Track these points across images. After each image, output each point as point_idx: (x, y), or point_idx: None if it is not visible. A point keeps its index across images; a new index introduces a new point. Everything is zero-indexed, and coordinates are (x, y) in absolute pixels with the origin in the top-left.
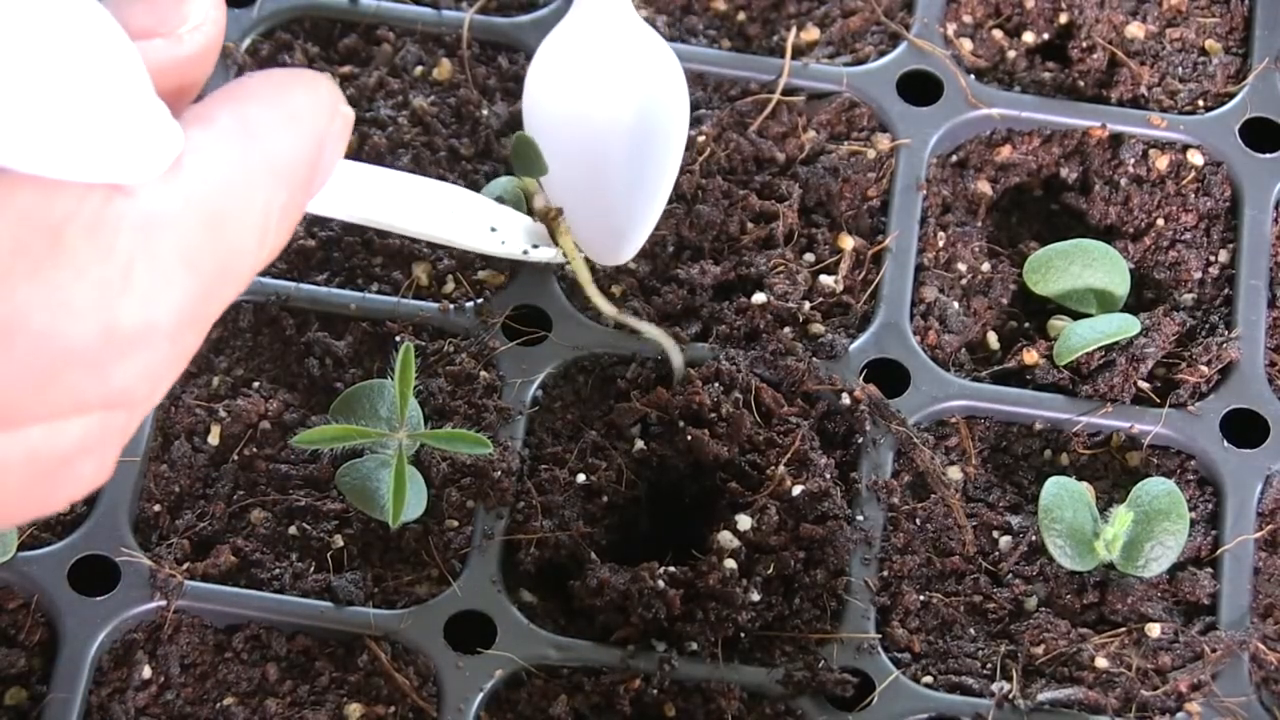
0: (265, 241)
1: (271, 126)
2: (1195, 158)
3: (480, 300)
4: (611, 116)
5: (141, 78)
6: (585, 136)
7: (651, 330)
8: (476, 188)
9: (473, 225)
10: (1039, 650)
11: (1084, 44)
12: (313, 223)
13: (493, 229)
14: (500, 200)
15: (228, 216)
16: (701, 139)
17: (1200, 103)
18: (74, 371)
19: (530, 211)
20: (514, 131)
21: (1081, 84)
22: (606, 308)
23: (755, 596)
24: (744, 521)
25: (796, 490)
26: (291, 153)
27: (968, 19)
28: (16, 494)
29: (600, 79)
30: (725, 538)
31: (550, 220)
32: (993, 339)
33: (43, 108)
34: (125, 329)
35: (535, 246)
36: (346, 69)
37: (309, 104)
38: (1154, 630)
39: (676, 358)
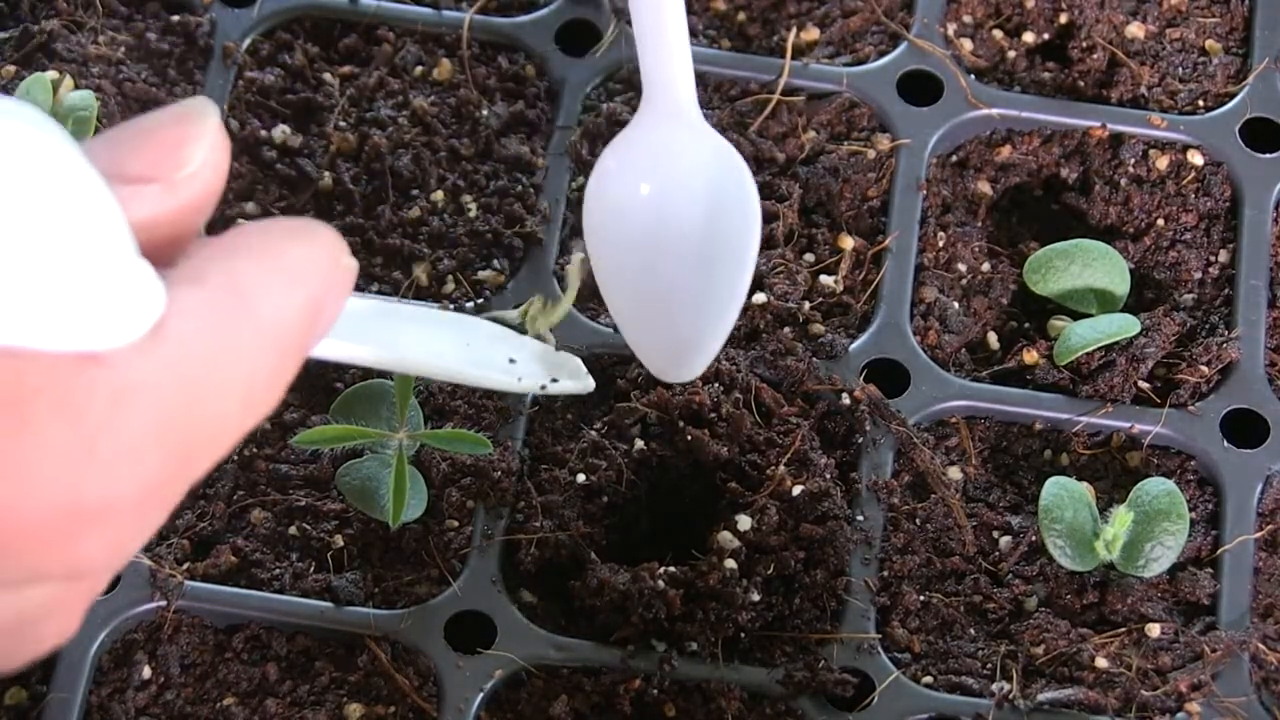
0: (251, 408)
1: (263, 287)
2: (1195, 158)
3: (480, 300)
4: (681, 225)
5: (123, 238)
6: (652, 247)
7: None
8: (477, 188)
9: (488, 359)
10: (1039, 650)
11: (1084, 44)
12: None
13: (511, 360)
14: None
15: (209, 385)
16: None
17: (1200, 103)
18: (34, 545)
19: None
20: (514, 133)
21: (1081, 84)
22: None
23: (755, 596)
24: (744, 521)
25: (796, 490)
26: (284, 315)
27: (968, 19)
28: None
29: (669, 186)
30: (725, 538)
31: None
32: (993, 339)
33: (12, 276)
34: (88, 504)
35: (554, 381)
36: (346, 69)
37: (306, 260)
38: (1154, 630)
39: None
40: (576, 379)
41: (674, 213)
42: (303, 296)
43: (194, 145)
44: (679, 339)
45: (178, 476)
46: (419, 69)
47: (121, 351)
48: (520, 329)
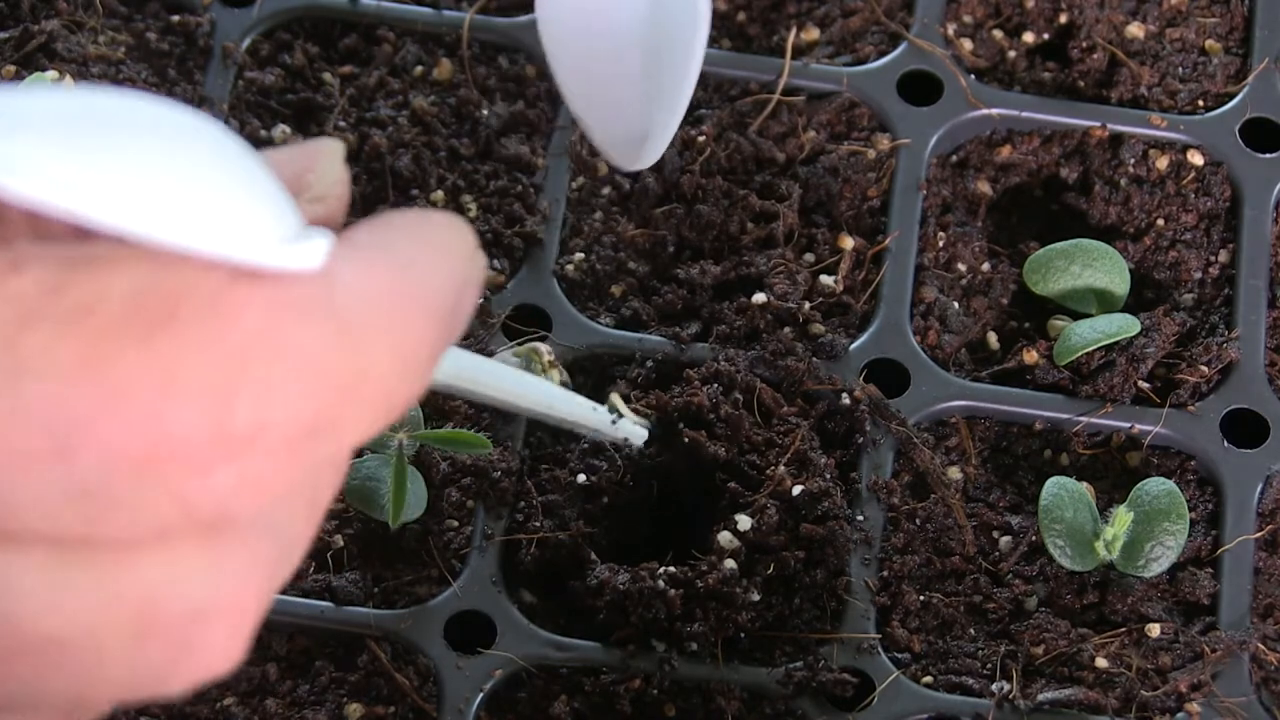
0: (406, 374)
1: (418, 256)
2: (1195, 158)
3: (480, 300)
4: (627, 15)
5: (273, 178)
6: (602, 35)
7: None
8: (477, 188)
9: (570, 396)
10: (1039, 650)
11: (1084, 44)
12: None
13: (594, 409)
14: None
15: (370, 335)
16: (701, 139)
17: (1200, 103)
18: (173, 464)
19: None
20: (514, 133)
21: (1081, 84)
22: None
23: (755, 596)
24: (744, 521)
25: (796, 490)
26: (438, 283)
27: (968, 19)
28: (118, 656)
29: None
30: (725, 538)
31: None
32: (993, 339)
33: (166, 175)
34: (236, 427)
35: (617, 418)
36: (346, 69)
37: (453, 240)
38: (1154, 630)
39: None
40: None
41: (619, 3)
42: (452, 270)
43: (322, 172)
44: (632, 129)
45: (328, 432)
46: (419, 69)
47: (281, 275)
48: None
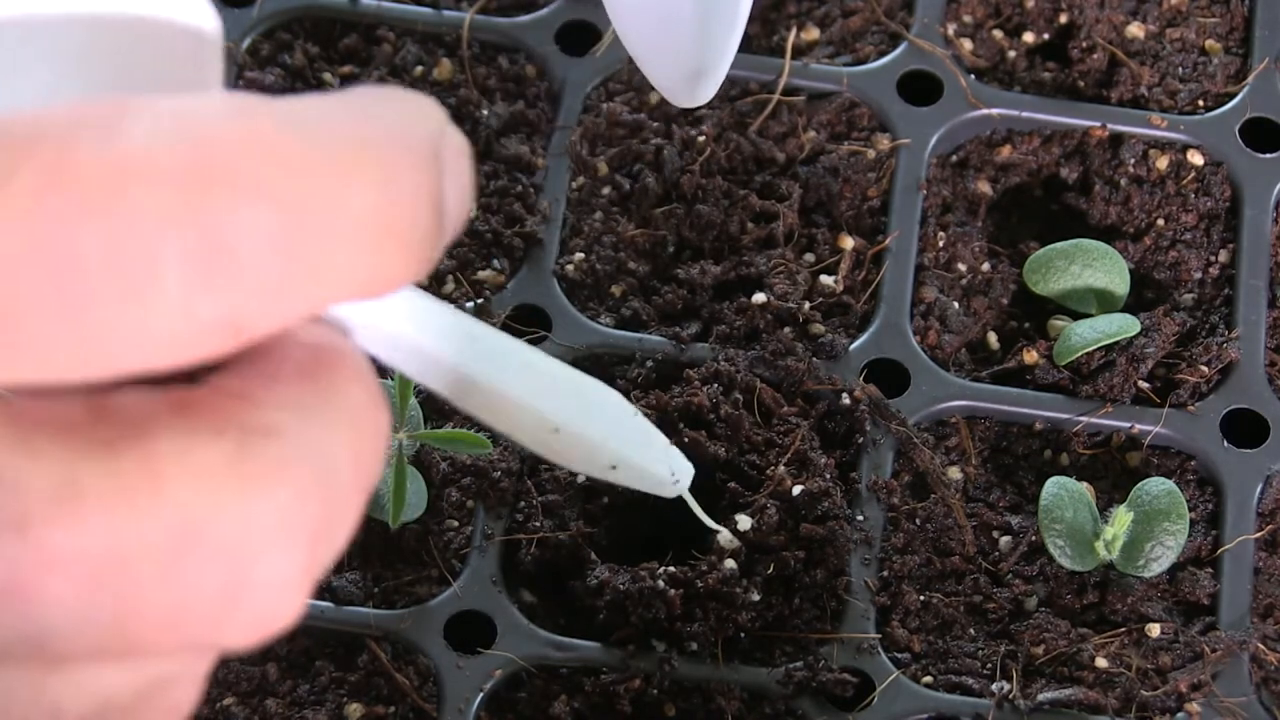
0: (405, 218)
1: (379, 108)
2: (1195, 158)
3: (480, 300)
4: None
5: None
6: None
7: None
8: (477, 189)
9: (624, 433)
10: (1039, 650)
11: (1084, 44)
12: None
13: (672, 476)
14: None
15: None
16: (701, 139)
17: (1200, 103)
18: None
19: None
20: (514, 133)
21: (1081, 84)
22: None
23: (755, 596)
24: (744, 521)
25: (796, 490)
26: (410, 129)
27: (968, 19)
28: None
29: None
30: (725, 538)
31: None
32: (993, 339)
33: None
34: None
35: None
36: (346, 69)
37: (418, 106)
38: (1154, 630)
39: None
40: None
41: None
42: (424, 119)
43: None
44: (687, 65)
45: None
46: (419, 69)
47: None
48: None
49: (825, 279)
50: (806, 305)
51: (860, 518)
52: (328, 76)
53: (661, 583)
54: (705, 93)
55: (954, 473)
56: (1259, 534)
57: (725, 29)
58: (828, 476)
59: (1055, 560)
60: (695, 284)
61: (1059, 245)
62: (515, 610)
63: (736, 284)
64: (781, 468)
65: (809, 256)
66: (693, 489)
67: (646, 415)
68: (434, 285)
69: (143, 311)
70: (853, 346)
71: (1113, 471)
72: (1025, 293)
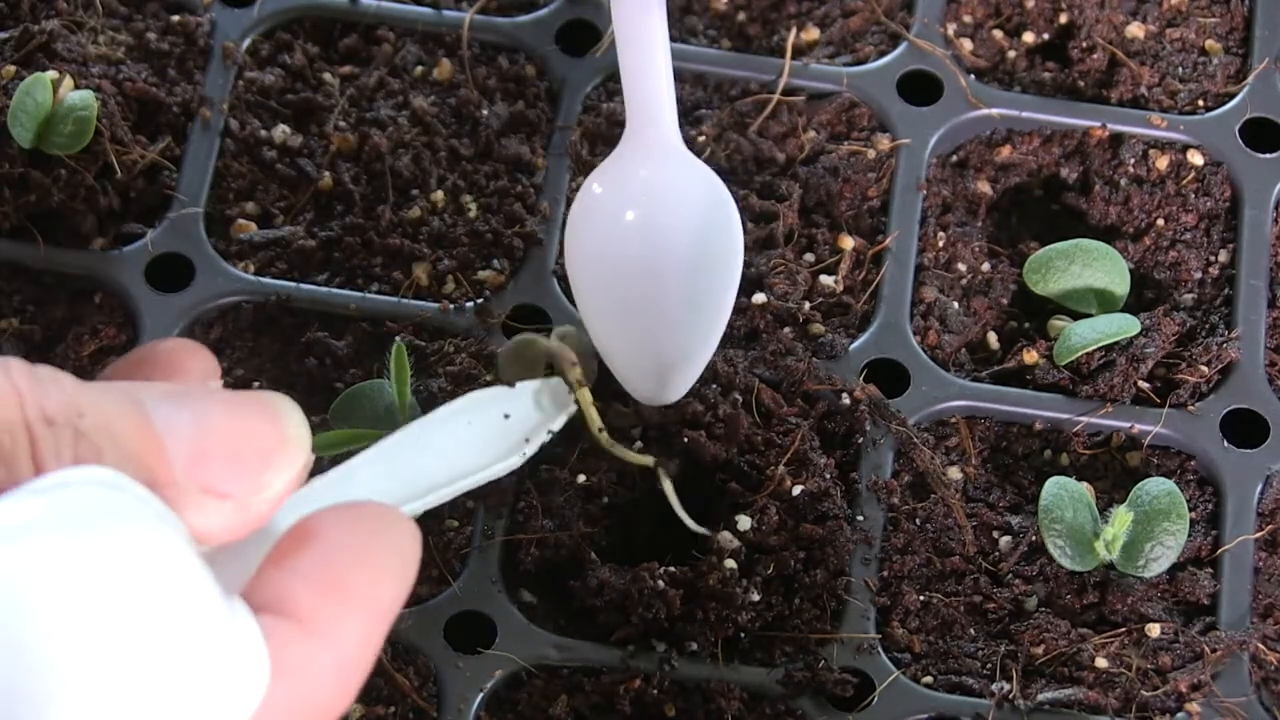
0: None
1: (377, 590)
2: (1195, 158)
3: (480, 300)
4: (667, 251)
5: (220, 615)
6: (638, 273)
7: (636, 459)
8: (477, 188)
9: (495, 444)
10: (1039, 650)
11: (1084, 44)
12: (313, 222)
13: (505, 415)
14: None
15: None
16: (701, 139)
17: (1200, 103)
18: None
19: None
20: (514, 133)
21: (1081, 84)
22: (608, 444)
23: (755, 596)
24: (744, 521)
25: (796, 490)
26: (396, 601)
27: (968, 19)
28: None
29: (655, 211)
30: (725, 538)
31: (578, 387)
32: (993, 339)
33: (130, 683)
34: None
35: (551, 433)
36: (346, 69)
37: (404, 546)
38: (1154, 630)
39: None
40: (565, 406)
41: (660, 238)
42: (404, 580)
43: (278, 473)
44: (663, 363)
45: None
46: (419, 69)
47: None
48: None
49: (825, 279)
50: (806, 305)
51: (860, 518)
52: (328, 76)
53: (661, 583)
54: (678, 390)
55: (954, 473)
56: (1259, 534)
57: (708, 326)
58: (828, 477)
59: (1055, 560)
60: None
61: (1059, 245)
62: (515, 610)
63: None
64: (781, 468)
65: (809, 256)
66: (692, 490)
67: (645, 414)
68: (435, 286)
69: None
70: (853, 346)
71: (1113, 471)
72: (1025, 293)
